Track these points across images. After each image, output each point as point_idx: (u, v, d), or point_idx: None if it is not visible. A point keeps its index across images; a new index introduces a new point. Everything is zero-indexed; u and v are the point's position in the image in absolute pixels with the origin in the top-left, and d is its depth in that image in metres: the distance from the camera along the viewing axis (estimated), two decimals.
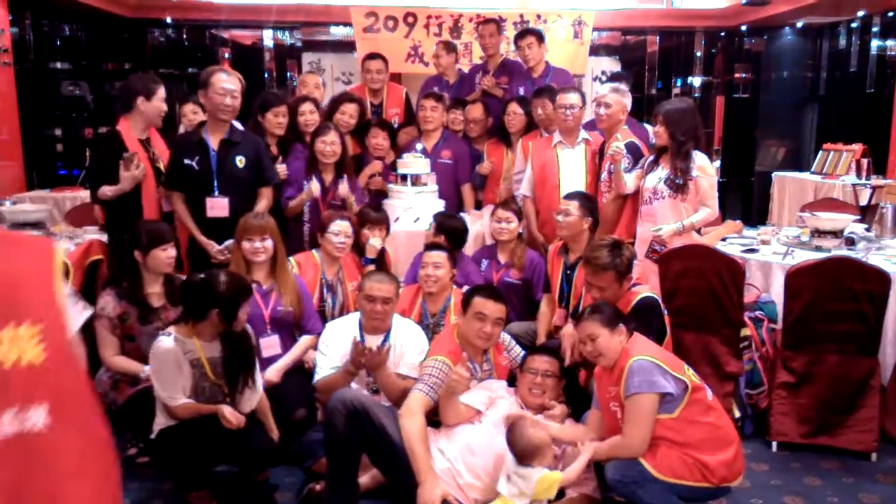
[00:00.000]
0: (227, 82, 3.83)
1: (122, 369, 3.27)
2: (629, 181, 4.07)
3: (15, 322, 1.30)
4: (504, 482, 2.74)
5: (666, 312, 3.46)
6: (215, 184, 3.87)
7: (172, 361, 2.86)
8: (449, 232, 4.08)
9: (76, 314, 1.43)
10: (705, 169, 3.90)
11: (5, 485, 1.25)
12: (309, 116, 4.60)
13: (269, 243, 3.55)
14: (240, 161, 3.91)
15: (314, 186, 4.20)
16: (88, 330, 3.61)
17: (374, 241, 4.06)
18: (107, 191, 3.74)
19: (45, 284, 1.38)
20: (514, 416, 2.90)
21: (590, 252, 3.30)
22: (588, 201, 3.89)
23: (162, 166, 3.97)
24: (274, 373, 3.41)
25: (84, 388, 1.43)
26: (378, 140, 4.87)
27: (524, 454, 2.73)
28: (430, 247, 3.81)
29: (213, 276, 2.96)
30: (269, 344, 3.44)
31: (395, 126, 5.36)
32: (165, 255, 3.35)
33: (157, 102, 3.88)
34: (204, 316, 2.91)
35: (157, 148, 4.01)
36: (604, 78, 8.18)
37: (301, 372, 3.51)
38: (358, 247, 4.07)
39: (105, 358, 3.30)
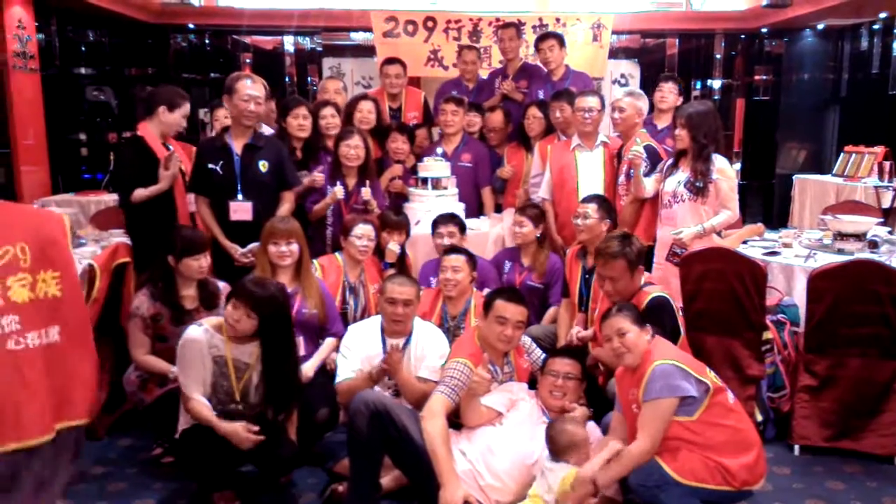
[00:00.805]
0: (251, 89, 3.87)
1: (151, 368, 3.32)
2: (648, 185, 4.07)
3: (44, 269, 2.10)
4: (538, 477, 2.79)
5: (680, 313, 3.46)
6: (239, 188, 3.91)
7: (197, 352, 2.91)
8: (449, 218, 4.15)
9: (77, 265, 2.66)
10: (725, 171, 3.90)
11: (45, 374, 2.09)
12: (330, 120, 4.64)
13: (294, 247, 3.59)
14: (263, 165, 3.96)
15: (338, 191, 4.24)
16: (118, 327, 3.69)
17: (392, 245, 4.09)
18: (143, 192, 3.80)
19: (62, 244, 2.18)
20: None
21: (601, 243, 3.37)
22: (605, 203, 3.91)
23: (182, 169, 4.02)
24: (310, 367, 3.46)
25: (84, 316, 2.28)
26: (398, 144, 4.90)
27: (561, 449, 2.78)
28: (449, 251, 3.83)
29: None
30: None
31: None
32: (197, 264, 3.40)
33: (178, 117, 3.95)
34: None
35: (178, 153, 4.05)
36: (623, 81, 8.17)
37: (323, 373, 3.54)
38: (380, 250, 4.11)
39: (135, 356, 3.36)
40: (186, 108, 4.00)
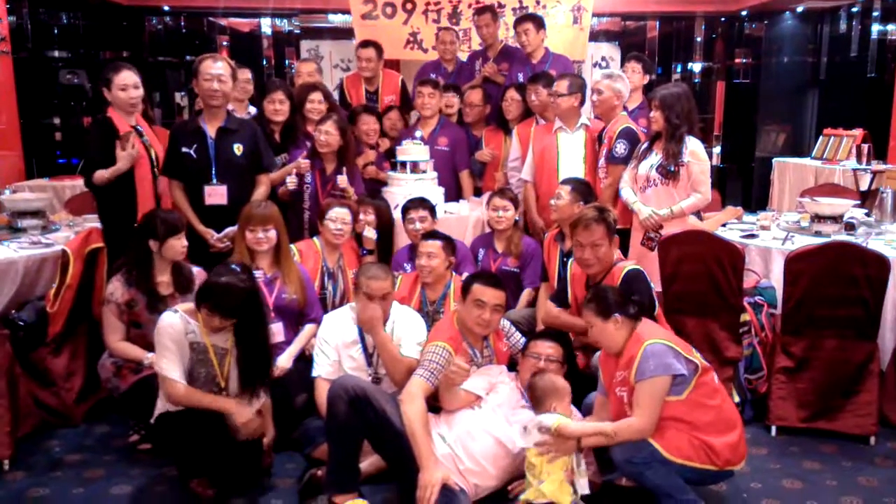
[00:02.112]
0: (213, 67, 3.81)
1: (125, 355, 3.29)
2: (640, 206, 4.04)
3: None
4: (521, 435, 2.76)
5: (655, 288, 3.46)
6: (213, 171, 3.86)
7: (174, 338, 2.88)
8: (419, 203, 4.12)
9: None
10: (697, 154, 3.90)
11: None
12: (317, 105, 4.58)
13: (272, 233, 3.56)
14: (237, 148, 3.91)
15: (290, 182, 4.23)
16: (92, 314, 3.63)
17: (368, 232, 4.07)
18: (103, 173, 3.67)
19: None
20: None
21: (579, 214, 3.41)
22: (582, 186, 3.90)
23: (154, 154, 3.92)
24: (287, 359, 3.45)
25: None
26: (369, 126, 4.86)
27: (544, 394, 2.87)
28: (426, 236, 3.80)
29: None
30: (274, 331, 3.44)
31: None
32: (180, 244, 3.36)
33: (116, 91, 3.74)
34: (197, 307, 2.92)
35: (149, 135, 3.93)
36: (604, 64, 8.15)
37: (303, 359, 3.52)
38: (358, 237, 4.08)
39: (110, 343, 3.32)
40: (120, 77, 3.73)
